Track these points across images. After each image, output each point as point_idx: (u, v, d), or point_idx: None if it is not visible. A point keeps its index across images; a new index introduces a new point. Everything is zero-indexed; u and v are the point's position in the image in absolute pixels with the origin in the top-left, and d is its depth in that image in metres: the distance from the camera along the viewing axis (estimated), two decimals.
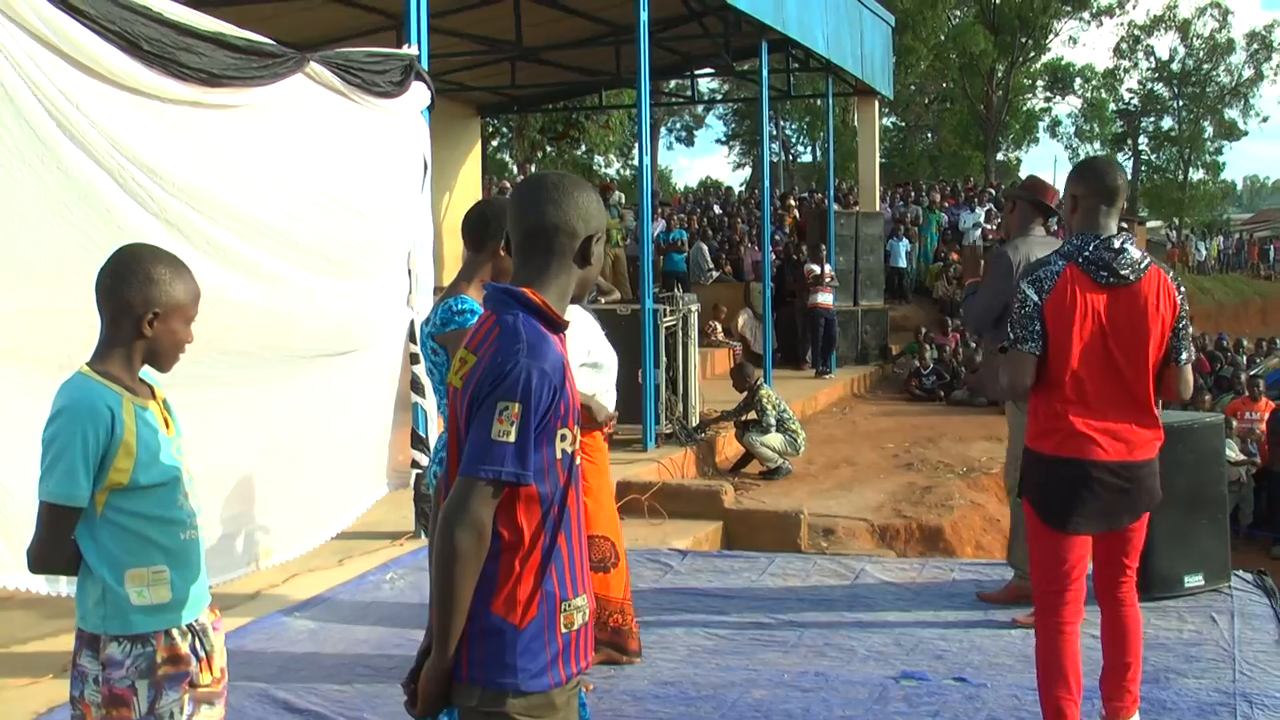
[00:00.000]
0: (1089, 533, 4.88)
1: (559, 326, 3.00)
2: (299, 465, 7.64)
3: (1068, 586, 4.86)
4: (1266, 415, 16.97)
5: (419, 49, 8.80)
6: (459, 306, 4.94)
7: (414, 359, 8.49)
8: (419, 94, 8.59)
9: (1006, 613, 7.00)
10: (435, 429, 8.38)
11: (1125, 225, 31.82)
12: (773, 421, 13.26)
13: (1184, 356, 4.86)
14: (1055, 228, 7.59)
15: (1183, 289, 4.88)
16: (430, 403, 8.37)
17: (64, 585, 5.05)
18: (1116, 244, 4.77)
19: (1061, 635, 4.85)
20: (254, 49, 6.71)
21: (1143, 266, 4.78)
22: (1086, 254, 4.77)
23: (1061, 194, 5.43)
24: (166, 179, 6.08)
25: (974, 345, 20.02)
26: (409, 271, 8.64)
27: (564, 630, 2.95)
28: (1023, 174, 58.13)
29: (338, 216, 7.55)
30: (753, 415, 13.45)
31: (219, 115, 6.54)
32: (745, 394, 13.51)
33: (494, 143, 41.06)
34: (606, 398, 6.21)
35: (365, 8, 15.37)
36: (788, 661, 6.40)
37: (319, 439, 7.83)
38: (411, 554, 8.54)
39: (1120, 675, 4.99)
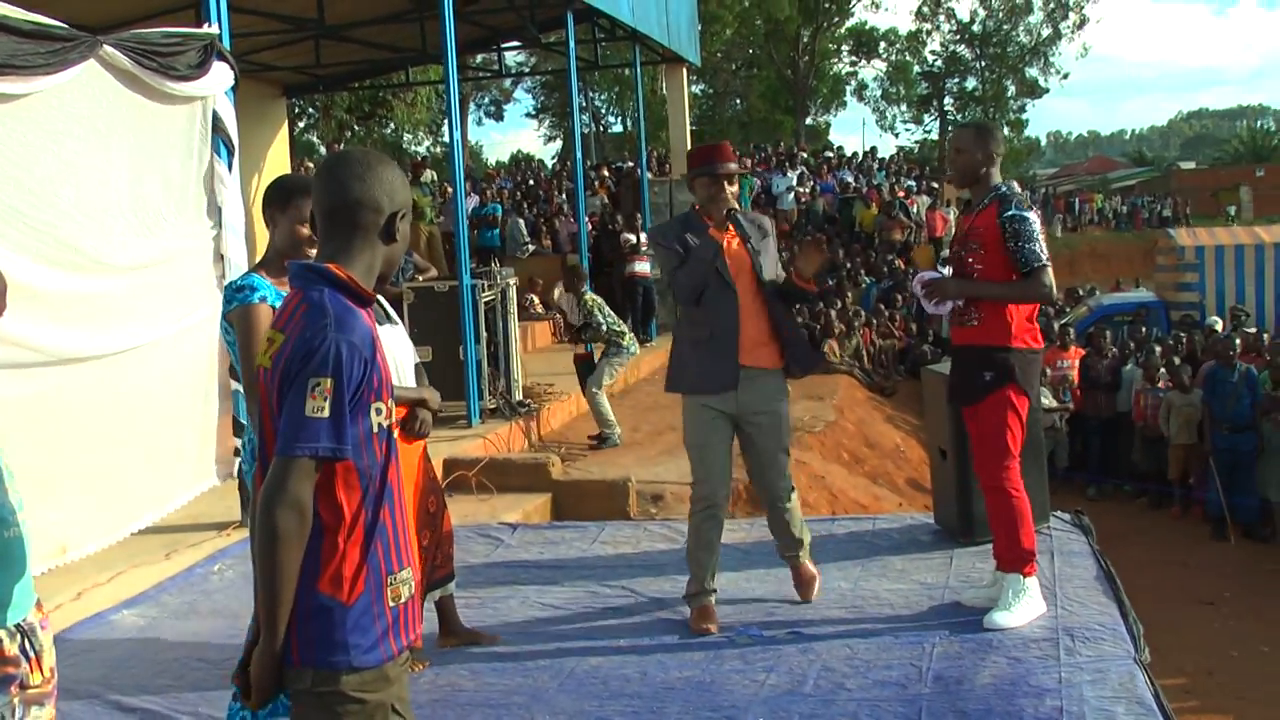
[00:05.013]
0: None
1: (366, 301, 2.99)
2: (98, 458, 7.33)
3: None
4: (1077, 362, 17.59)
5: (219, 28, 8.58)
6: (238, 284, 4.76)
7: None
8: (221, 74, 8.37)
9: (840, 569, 7.10)
10: None
11: (935, 185, 32.36)
12: (603, 321, 13.10)
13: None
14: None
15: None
16: None
17: None
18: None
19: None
20: (41, 33, 6.41)
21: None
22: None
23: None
24: None
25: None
26: (221, 256, 8.45)
27: (392, 604, 2.95)
28: (833, 139, 59.12)
29: (133, 208, 7.35)
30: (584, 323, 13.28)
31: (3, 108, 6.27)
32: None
33: (301, 124, 40.46)
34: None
35: None
36: (623, 627, 6.44)
37: (123, 431, 7.56)
38: (239, 544, 8.37)
39: None
